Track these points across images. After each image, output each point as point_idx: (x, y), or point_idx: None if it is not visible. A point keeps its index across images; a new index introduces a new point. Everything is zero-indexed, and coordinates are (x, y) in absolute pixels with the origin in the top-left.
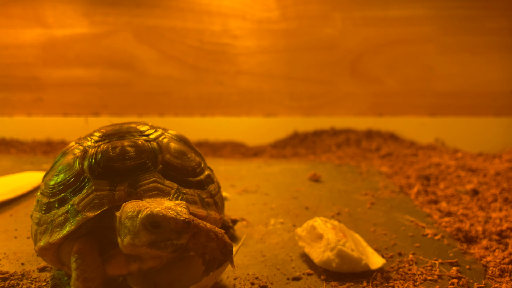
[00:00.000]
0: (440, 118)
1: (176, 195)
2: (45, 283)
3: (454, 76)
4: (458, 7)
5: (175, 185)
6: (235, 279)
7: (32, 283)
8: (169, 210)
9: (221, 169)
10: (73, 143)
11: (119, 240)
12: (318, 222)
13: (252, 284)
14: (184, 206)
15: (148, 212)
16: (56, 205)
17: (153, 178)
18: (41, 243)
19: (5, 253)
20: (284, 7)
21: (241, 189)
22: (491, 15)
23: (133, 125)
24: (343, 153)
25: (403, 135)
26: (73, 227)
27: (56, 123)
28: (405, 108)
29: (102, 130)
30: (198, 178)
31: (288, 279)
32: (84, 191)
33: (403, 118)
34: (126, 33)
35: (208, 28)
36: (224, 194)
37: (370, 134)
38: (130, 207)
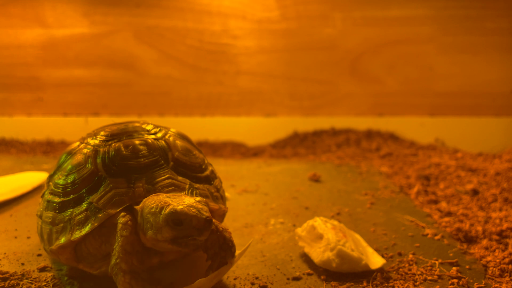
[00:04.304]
0: (440, 118)
1: (190, 190)
2: (45, 283)
3: (454, 76)
4: (458, 7)
5: (188, 181)
6: (235, 279)
7: (32, 283)
8: (191, 208)
9: (221, 169)
10: (77, 143)
11: (140, 233)
12: (318, 222)
13: (252, 284)
14: (204, 204)
15: (172, 210)
16: (72, 204)
17: (168, 175)
18: (61, 241)
19: (5, 253)
20: (284, 7)
21: (241, 189)
22: (491, 15)
23: (138, 124)
24: (343, 153)
25: (403, 135)
26: (96, 224)
27: (56, 123)
28: (405, 108)
29: (107, 130)
30: (205, 174)
31: (288, 279)
32: (101, 189)
33: (403, 118)
34: (126, 33)
35: (208, 28)
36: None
37: (370, 134)
38: (152, 202)
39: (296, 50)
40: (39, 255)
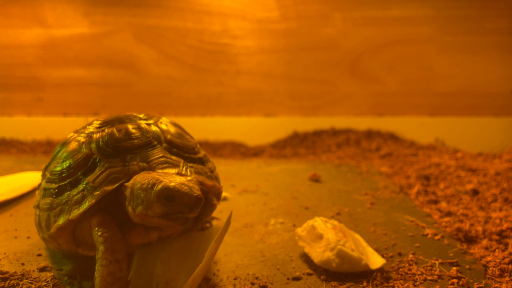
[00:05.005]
0: (440, 118)
1: (184, 167)
2: (45, 283)
3: (454, 76)
4: (458, 7)
5: (181, 160)
6: (235, 279)
7: (32, 283)
8: (183, 186)
9: (221, 169)
10: (72, 134)
11: (129, 208)
12: (318, 222)
13: (252, 284)
14: (196, 183)
15: (164, 186)
16: (69, 187)
17: (161, 154)
18: (60, 222)
19: (5, 253)
20: (284, 7)
21: (241, 189)
22: (491, 15)
23: (130, 113)
24: (343, 153)
25: (403, 135)
26: (93, 201)
27: (56, 123)
28: (405, 108)
29: (100, 119)
30: (198, 156)
31: (288, 279)
32: (97, 170)
33: (403, 118)
34: (126, 33)
35: (208, 28)
36: (224, 194)
37: (370, 134)
38: (143, 178)
39: (296, 50)
40: (39, 255)
